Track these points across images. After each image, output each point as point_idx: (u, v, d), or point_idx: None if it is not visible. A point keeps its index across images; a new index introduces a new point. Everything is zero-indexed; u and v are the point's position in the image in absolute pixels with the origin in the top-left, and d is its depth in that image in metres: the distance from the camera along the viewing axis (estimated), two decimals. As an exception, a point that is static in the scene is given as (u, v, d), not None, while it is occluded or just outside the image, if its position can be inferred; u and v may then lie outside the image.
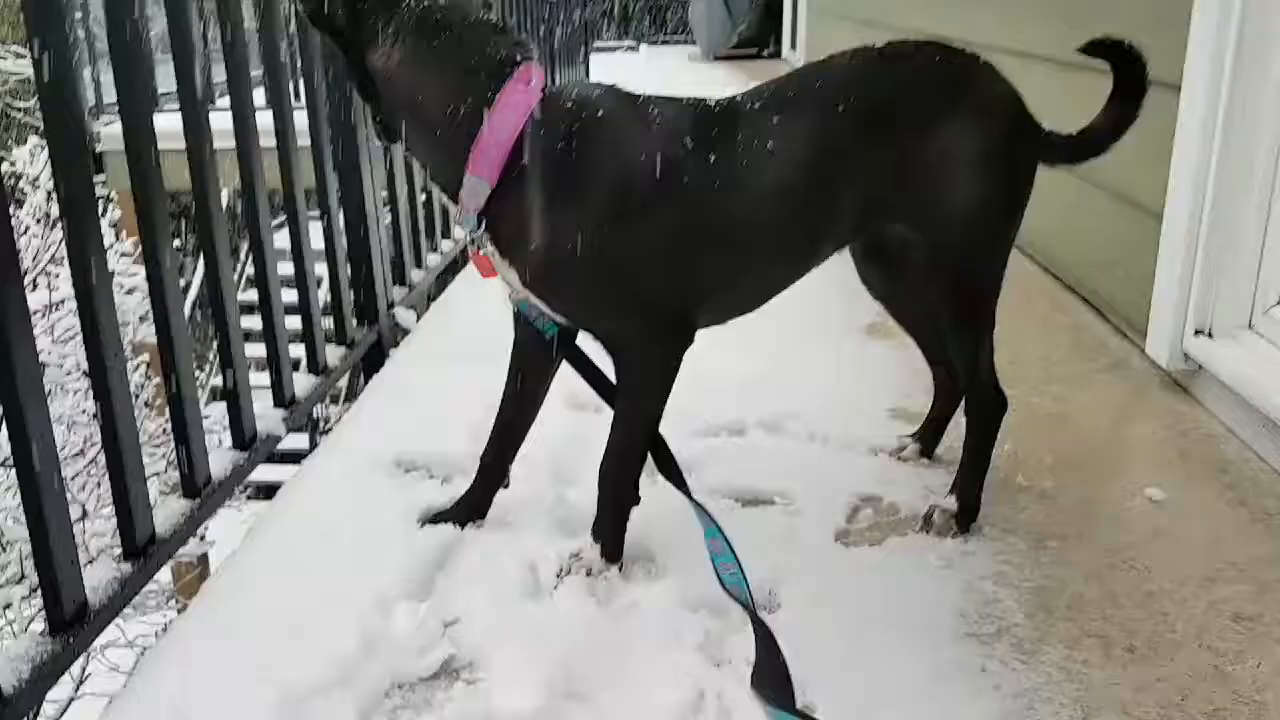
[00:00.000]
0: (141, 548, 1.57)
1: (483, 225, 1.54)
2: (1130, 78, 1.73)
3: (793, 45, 9.62)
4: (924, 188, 1.64)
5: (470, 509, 1.83)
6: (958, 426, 1.93)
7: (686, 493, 1.63)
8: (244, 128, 2.00)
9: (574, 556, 1.70)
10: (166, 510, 1.66)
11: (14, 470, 1.36)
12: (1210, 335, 2.33)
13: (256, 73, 2.23)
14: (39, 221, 4.87)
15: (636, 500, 1.71)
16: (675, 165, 1.51)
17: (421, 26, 1.49)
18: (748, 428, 2.22)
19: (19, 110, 14.02)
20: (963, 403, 1.87)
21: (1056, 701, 1.40)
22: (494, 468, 1.84)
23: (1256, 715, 1.37)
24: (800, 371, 2.50)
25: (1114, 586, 1.66)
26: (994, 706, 1.39)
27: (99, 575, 1.48)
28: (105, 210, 5.24)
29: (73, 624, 1.40)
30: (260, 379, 2.05)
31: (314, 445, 2.29)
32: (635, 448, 1.68)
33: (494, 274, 1.61)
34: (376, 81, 1.52)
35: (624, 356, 1.61)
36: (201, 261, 1.97)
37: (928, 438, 2.07)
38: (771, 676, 1.31)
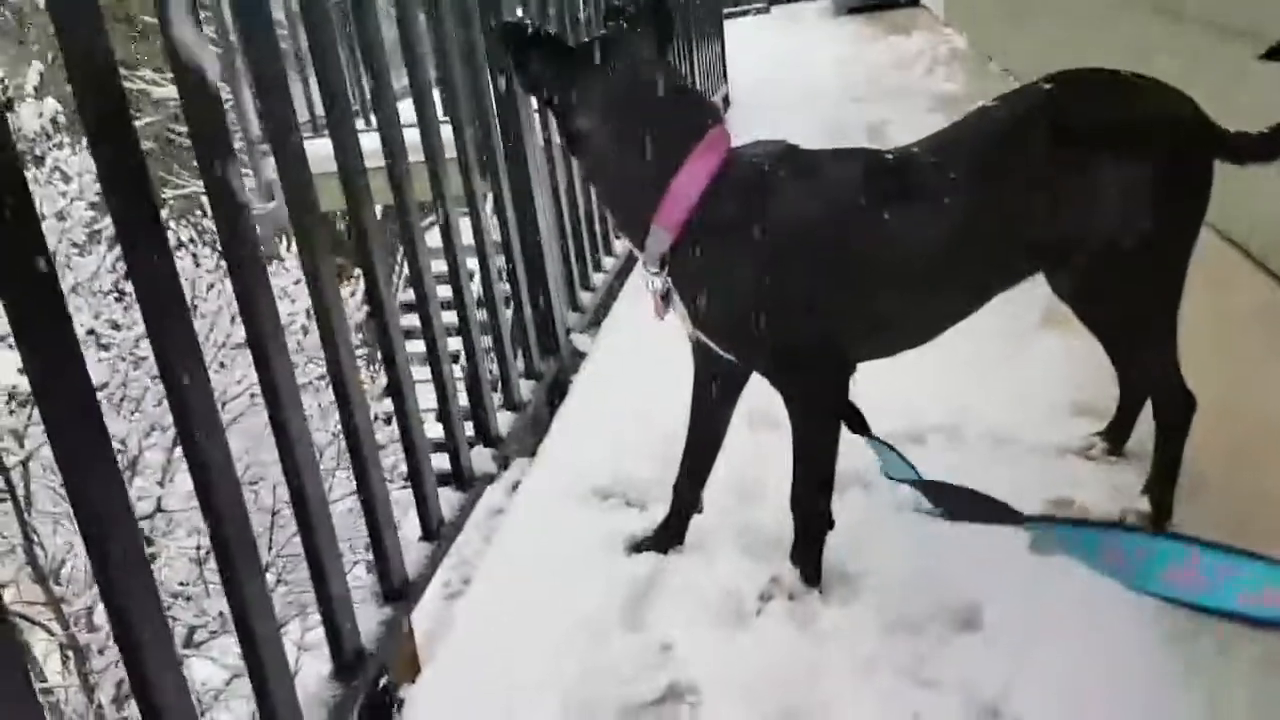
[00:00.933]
0: (399, 590, 1.76)
1: (664, 271, 1.70)
2: None
3: (928, -8, 9.34)
4: (1100, 224, 1.67)
5: (670, 536, 1.97)
6: (1142, 421, 1.94)
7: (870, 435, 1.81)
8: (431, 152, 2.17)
9: (773, 581, 1.81)
10: (413, 554, 1.85)
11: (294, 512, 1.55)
12: None
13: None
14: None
15: (831, 525, 1.80)
16: (840, 221, 1.64)
17: (623, 95, 1.66)
18: (925, 434, 2.26)
19: (180, 134, 14.95)
20: (1150, 404, 1.89)
21: (1256, 695, 1.44)
22: (688, 495, 1.97)
23: None
24: (975, 370, 2.51)
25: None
26: (1202, 701, 1.45)
27: (368, 620, 1.68)
28: (288, 243, 5.60)
29: (354, 667, 1.60)
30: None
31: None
32: (820, 475, 1.77)
33: (664, 316, 1.77)
34: (581, 141, 1.69)
35: (788, 393, 1.73)
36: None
37: (1116, 434, 2.09)
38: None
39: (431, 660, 1.82)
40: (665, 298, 1.73)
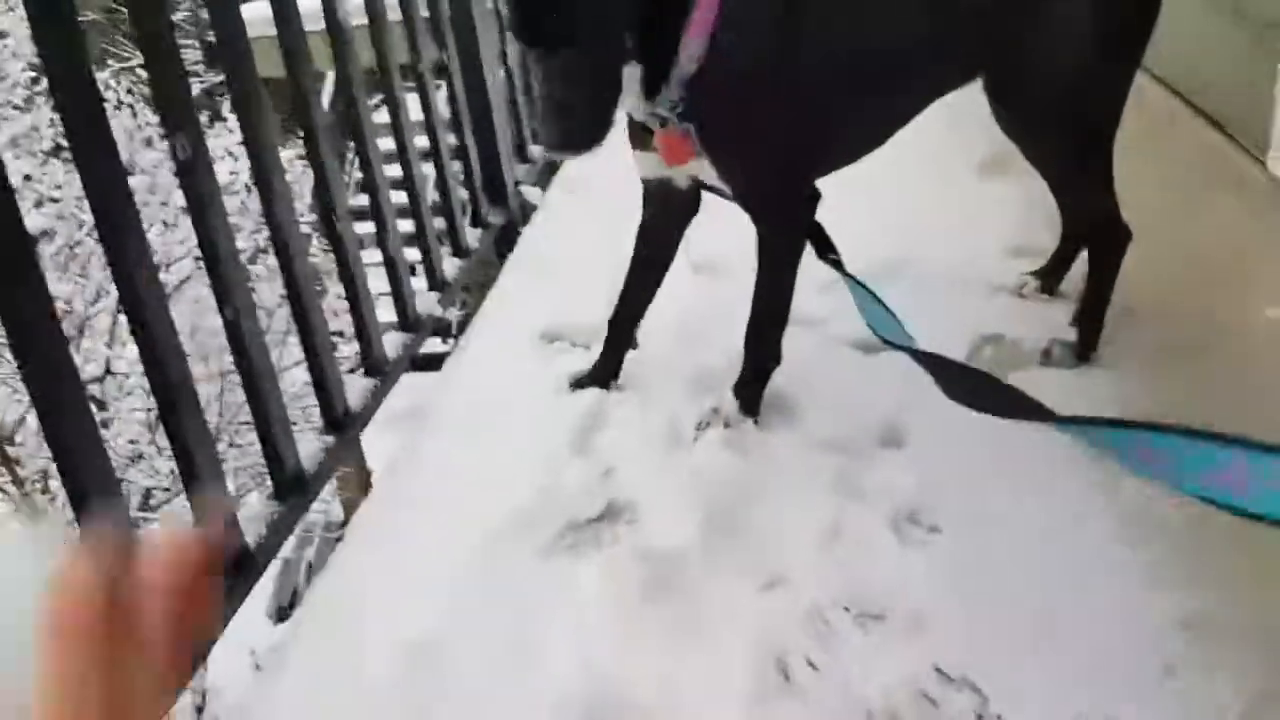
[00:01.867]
0: (341, 421, 1.80)
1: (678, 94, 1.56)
2: None
3: None
4: (1038, 24, 1.69)
5: (608, 372, 2.00)
6: (1080, 263, 1.99)
7: (842, 270, 1.69)
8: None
9: (713, 411, 1.85)
10: (356, 388, 1.88)
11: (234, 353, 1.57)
12: (1337, 149, 2.29)
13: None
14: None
15: (779, 360, 1.84)
16: (849, 14, 1.63)
17: None
18: (865, 276, 2.30)
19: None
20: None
21: (1169, 506, 1.51)
22: (626, 332, 2.00)
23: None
24: (915, 214, 2.54)
25: (1238, 404, 1.73)
26: (1115, 514, 1.53)
27: (309, 447, 1.72)
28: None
29: (294, 489, 1.64)
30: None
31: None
32: (781, 306, 1.80)
33: (682, 157, 1.62)
34: None
35: (769, 211, 1.72)
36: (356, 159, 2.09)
37: (1050, 273, 2.13)
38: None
39: (381, 485, 1.87)
40: (663, 124, 1.59)
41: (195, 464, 1.42)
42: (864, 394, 1.86)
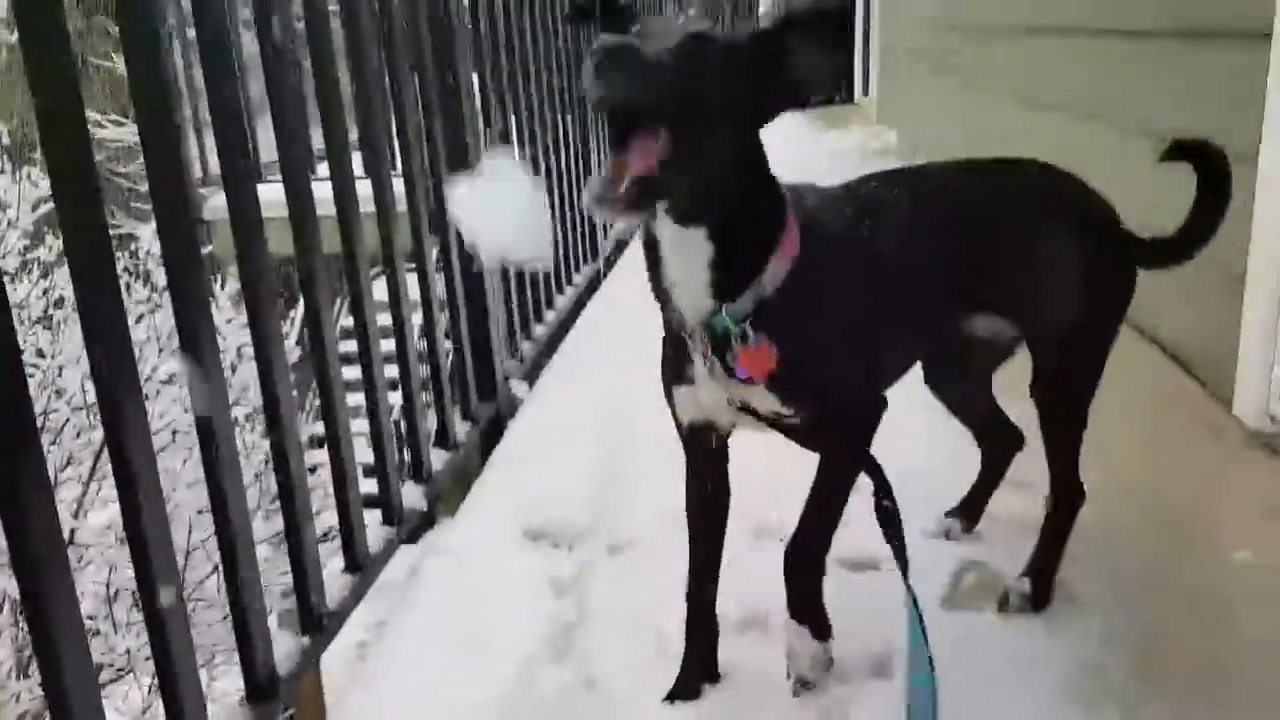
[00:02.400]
0: (318, 621, 1.76)
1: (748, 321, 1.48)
2: (1213, 175, 1.82)
3: (865, 91, 9.73)
4: (1029, 289, 1.80)
5: (701, 672, 1.73)
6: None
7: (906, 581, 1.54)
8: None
9: (789, 656, 1.68)
10: (338, 584, 1.85)
11: (217, 537, 1.56)
12: (1298, 396, 2.40)
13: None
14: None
15: (824, 571, 1.68)
16: (888, 250, 1.65)
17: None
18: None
19: (121, 176, 14.76)
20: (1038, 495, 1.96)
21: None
22: (708, 613, 1.75)
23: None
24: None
25: (1213, 648, 1.75)
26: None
27: (284, 648, 1.67)
28: (222, 281, 5.54)
29: (267, 693, 1.59)
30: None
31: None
32: (835, 521, 1.66)
33: (764, 368, 1.49)
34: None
35: (838, 437, 1.61)
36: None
37: (971, 513, 2.15)
38: None
39: (347, 691, 1.82)
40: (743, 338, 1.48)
41: (169, 644, 1.38)
42: (853, 618, 1.85)
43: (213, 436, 1.52)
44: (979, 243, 1.77)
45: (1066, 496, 1.92)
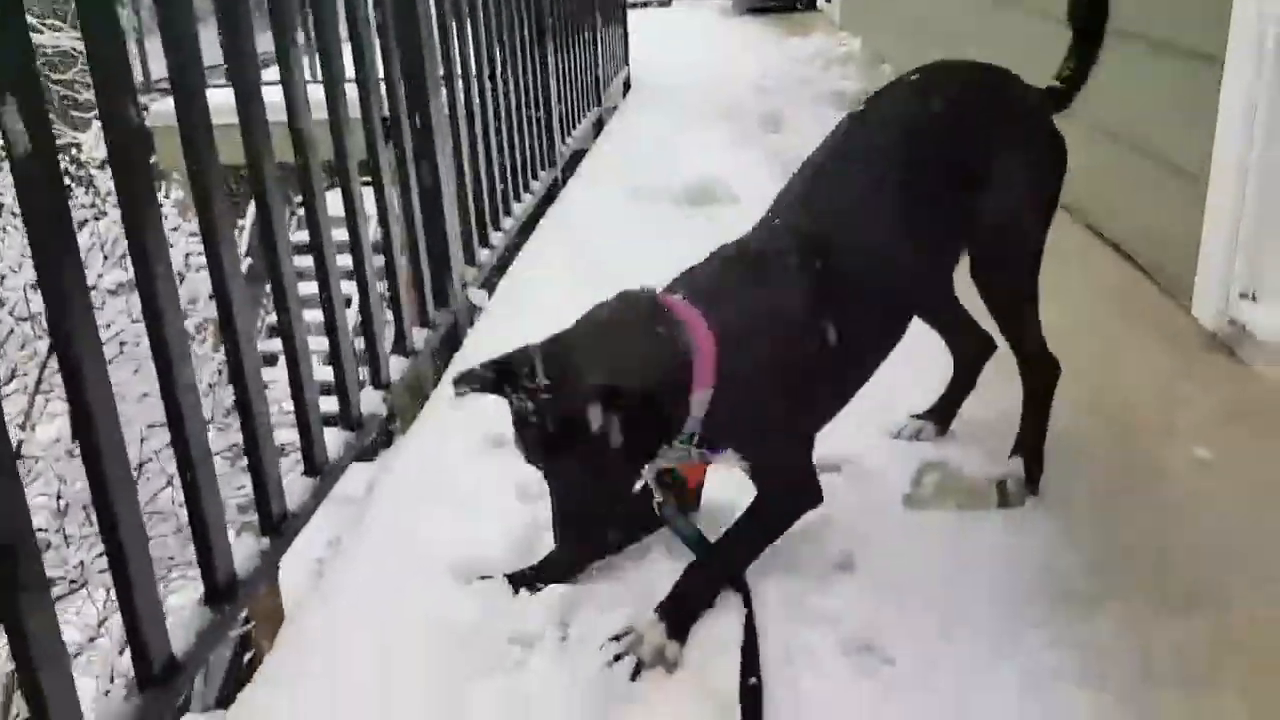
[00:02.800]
0: (277, 523, 1.73)
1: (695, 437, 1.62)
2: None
3: (827, -2, 9.56)
4: (985, 209, 1.82)
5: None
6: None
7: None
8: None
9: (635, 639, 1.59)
10: (296, 488, 1.82)
11: (173, 449, 1.51)
12: (1255, 299, 2.42)
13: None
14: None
15: (712, 603, 1.66)
16: (817, 310, 1.66)
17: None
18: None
19: (56, 84, 14.25)
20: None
21: (1117, 652, 1.54)
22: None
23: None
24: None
25: (1169, 543, 1.79)
26: (1059, 657, 1.53)
27: (244, 550, 1.65)
28: (166, 190, 5.38)
29: (226, 595, 1.57)
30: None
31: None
32: (762, 549, 1.70)
33: (699, 475, 1.75)
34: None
35: (790, 487, 1.72)
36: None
37: (943, 414, 2.16)
38: None
39: (312, 590, 1.80)
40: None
41: (126, 557, 1.34)
42: (816, 517, 1.86)
43: (165, 342, 1.46)
44: (945, 186, 1.80)
45: (1040, 371, 1.95)
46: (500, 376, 1.56)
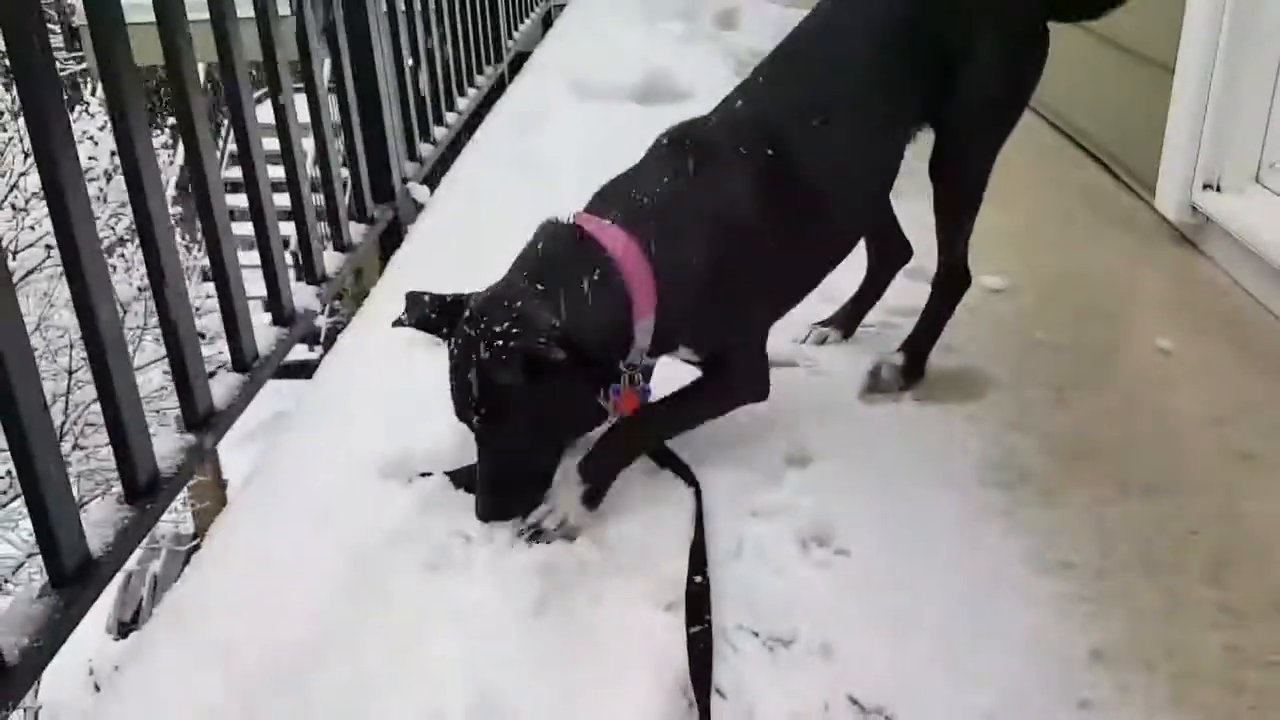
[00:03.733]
0: (203, 420, 1.64)
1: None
2: None
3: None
4: (955, 91, 1.73)
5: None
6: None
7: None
8: None
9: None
10: (222, 385, 1.72)
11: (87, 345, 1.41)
12: (1218, 189, 2.37)
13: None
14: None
15: (615, 475, 1.61)
16: (767, 193, 1.59)
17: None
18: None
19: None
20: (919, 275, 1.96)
21: (1077, 539, 1.50)
22: None
23: (1263, 548, 1.47)
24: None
25: (1129, 431, 1.75)
26: (1018, 545, 1.49)
27: (166, 446, 1.55)
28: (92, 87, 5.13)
29: (147, 492, 1.47)
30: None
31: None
32: (689, 423, 1.67)
33: (632, 407, 1.60)
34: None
35: (728, 378, 1.67)
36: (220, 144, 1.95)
37: (850, 320, 2.09)
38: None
39: (242, 493, 1.71)
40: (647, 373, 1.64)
41: (36, 468, 1.24)
42: (768, 410, 1.80)
43: (76, 250, 1.35)
44: (914, 57, 1.72)
45: (952, 279, 1.90)
46: (442, 317, 1.52)
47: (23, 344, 1.23)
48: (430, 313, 1.54)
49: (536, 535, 1.50)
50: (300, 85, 2.20)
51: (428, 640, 1.35)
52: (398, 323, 1.57)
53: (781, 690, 1.26)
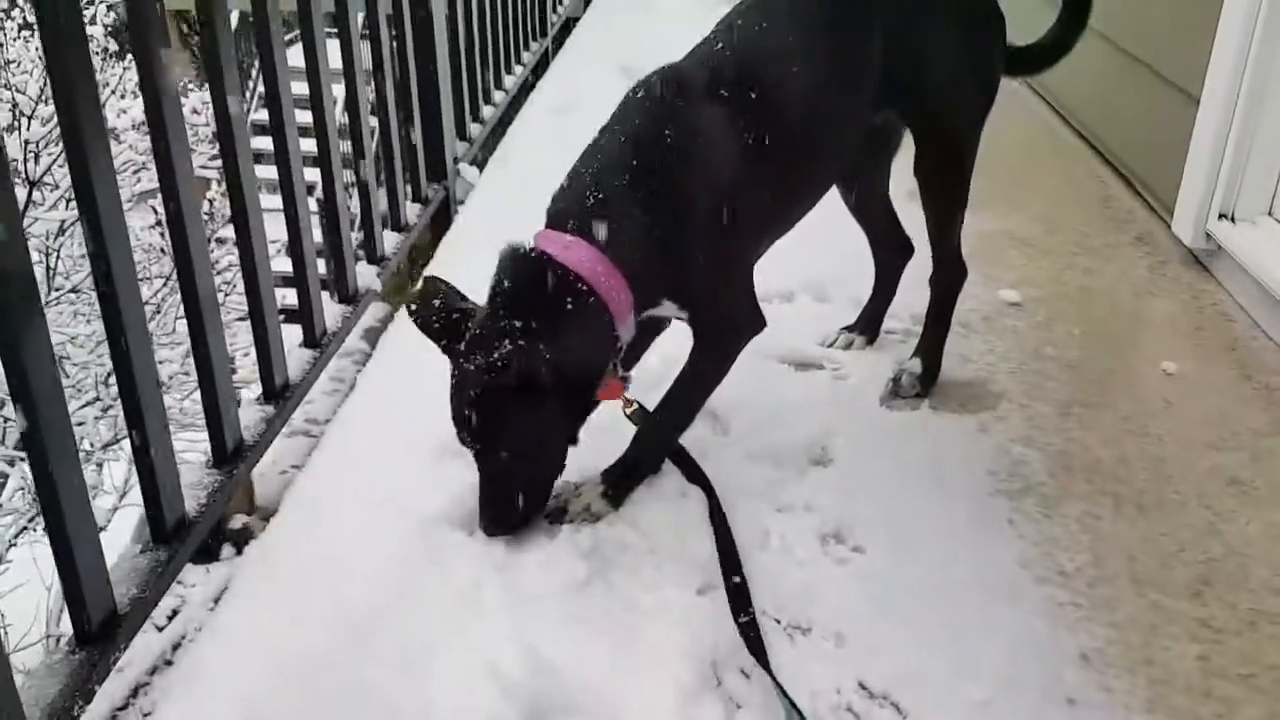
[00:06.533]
0: (280, 391, 1.78)
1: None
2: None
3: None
4: (916, 71, 1.81)
5: None
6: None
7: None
8: None
9: (575, 492, 1.71)
10: (296, 359, 1.86)
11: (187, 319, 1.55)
12: (1233, 219, 2.48)
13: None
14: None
15: (658, 468, 1.76)
16: (732, 141, 1.62)
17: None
18: (795, 293, 2.40)
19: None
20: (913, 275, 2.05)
21: (1072, 549, 1.64)
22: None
23: (1243, 568, 1.61)
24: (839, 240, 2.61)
25: (1127, 451, 1.88)
26: (1018, 551, 1.64)
27: (249, 417, 1.70)
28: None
29: (233, 457, 1.63)
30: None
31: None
32: (700, 405, 1.75)
33: (616, 396, 1.68)
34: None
35: (719, 329, 1.71)
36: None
37: (871, 323, 2.21)
38: None
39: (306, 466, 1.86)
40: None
41: (148, 432, 1.39)
42: (794, 410, 1.94)
43: (179, 206, 1.47)
44: (884, 40, 1.78)
45: (949, 275, 2.01)
46: (443, 331, 1.58)
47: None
48: (434, 318, 1.60)
49: (560, 517, 1.65)
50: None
51: (482, 604, 1.50)
52: (410, 311, 1.64)
53: (799, 672, 1.42)
